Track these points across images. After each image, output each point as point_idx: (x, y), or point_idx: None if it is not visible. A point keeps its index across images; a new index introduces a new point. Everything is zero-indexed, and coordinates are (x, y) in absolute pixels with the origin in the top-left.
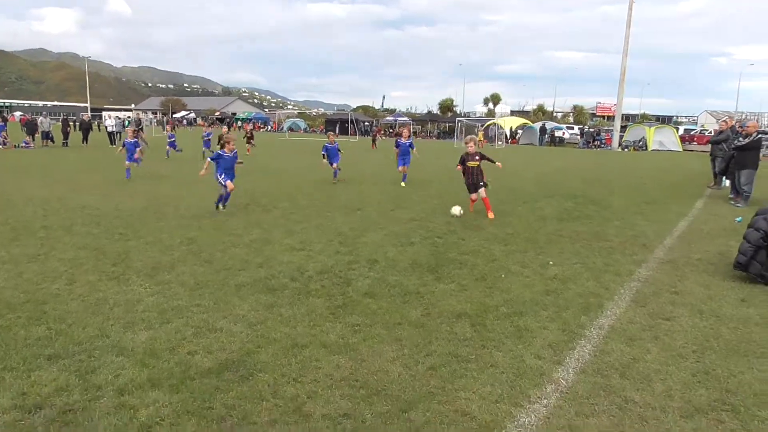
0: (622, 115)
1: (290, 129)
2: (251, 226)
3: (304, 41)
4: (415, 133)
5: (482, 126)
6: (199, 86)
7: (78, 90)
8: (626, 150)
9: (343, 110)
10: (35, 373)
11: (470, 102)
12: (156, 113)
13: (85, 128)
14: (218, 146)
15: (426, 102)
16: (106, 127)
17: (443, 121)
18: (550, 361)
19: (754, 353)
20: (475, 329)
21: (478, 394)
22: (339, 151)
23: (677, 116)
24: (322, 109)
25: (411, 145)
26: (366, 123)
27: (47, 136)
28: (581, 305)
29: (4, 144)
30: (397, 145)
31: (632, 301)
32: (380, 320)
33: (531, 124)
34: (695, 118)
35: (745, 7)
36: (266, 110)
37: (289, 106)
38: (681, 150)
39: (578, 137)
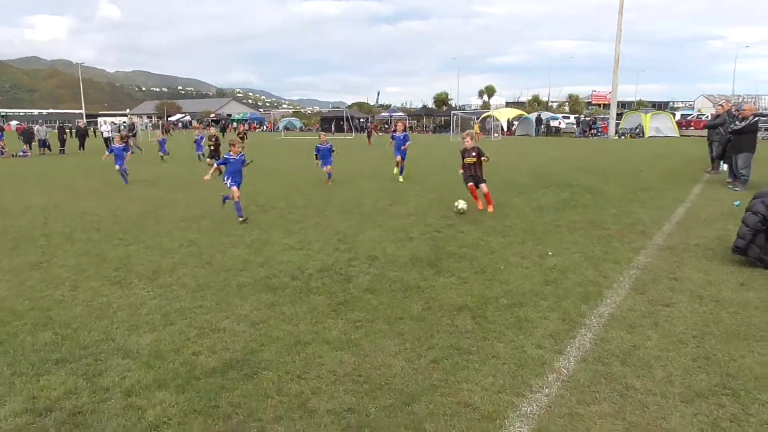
0: (618, 102)
1: (286, 128)
2: (250, 227)
3: (297, 40)
4: (411, 127)
5: (478, 118)
6: (193, 88)
7: (72, 97)
8: (623, 138)
9: (338, 108)
10: (44, 377)
11: (465, 95)
12: (151, 117)
13: (82, 135)
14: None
15: (421, 97)
16: (102, 133)
17: (438, 115)
18: (551, 350)
19: (754, 337)
20: (475, 321)
21: (480, 386)
22: (332, 151)
23: (673, 102)
24: (317, 108)
25: (405, 139)
26: (361, 120)
27: (44, 144)
28: (581, 294)
29: (2, 153)
30: (393, 138)
31: (631, 288)
32: (381, 315)
33: (527, 115)
34: (692, 103)
35: None
36: (261, 110)
37: (284, 106)
38: (678, 136)
39: (574, 126)
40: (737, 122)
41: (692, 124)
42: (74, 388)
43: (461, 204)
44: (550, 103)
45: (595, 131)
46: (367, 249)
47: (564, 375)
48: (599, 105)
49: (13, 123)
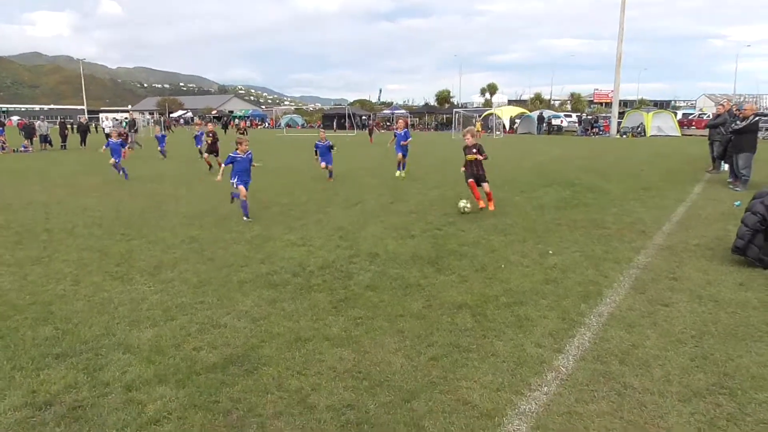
0: (620, 101)
1: (287, 125)
2: (252, 223)
3: (298, 37)
4: (412, 125)
5: (480, 116)
6: (195, 85)
7: (73, 93)
8: (624, 136)
9: (340, 105)
10: (44, 371)
11: (467, 93)
12: (153, 113)
13: (83, 131)
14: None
15: (423, 94)
16: (103, 129)
17: (440, 113)
18: (550, 349)
19: (751, 337)
20: (475, 319)
21: (479, 383)
22: (331, 148)
23: (675, 101)
24: (319, 105)
25: (406, 136)
26: (363, 117)
27: (45, 139)
28: (581, 293)
29: (3, 149)
30: (395, 136)
31: (631, 288)
32: (382, 313)
33: (529, 113)
34: (693, 102)
35: None
36: (263, 107)
37: (286, 102)
38: (680, 135)
39: (576, 125)
40: (738, 122)
41: (694, 123)
42: (74, 383)
43: (468, 205)
44: (552, 102)
45: (597, 130)
46: (368, 246)
47: (563, 373)
48: (601, 103)
49: (15, 118)
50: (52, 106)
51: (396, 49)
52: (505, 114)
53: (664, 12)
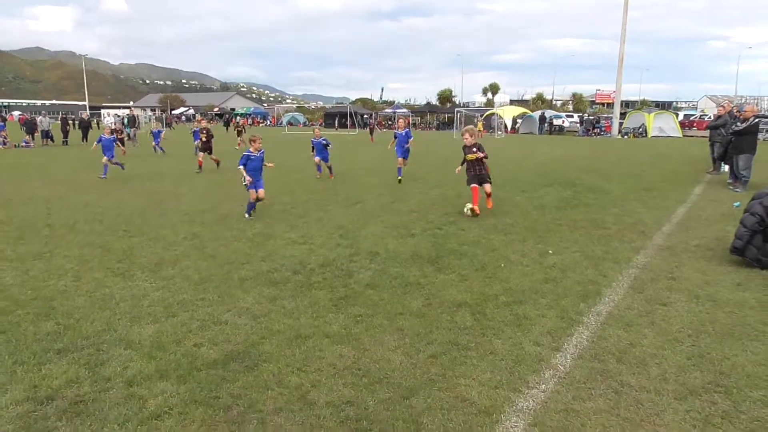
0: (622, 101)
1: (289, 123)
2: (253, 221)
3: (300, 35)
4: (414, 124)
5: (482, 116)
6: (197, 82)
7: (75, 88)
8: (626, 137)
9: (342, 103)
10: (46, 366)
11: (469, 92)
12: (154, 110)
13: (85, 126)
14: (202, 140)
15: (424, 93)
16: (110, 125)
17: (442, 112)
18: (548, 347)
19: (748, 336)
20: (475, 318)
21: (477, 381)
22: (326, 146)
23: (677, 101)
24: (321, 103)
25: (408, 136)
26: (365, 116)
27: (47, 135)
28: (580, 293)
29: (4, 144)
30: (396, 137)
31: (630, 287)
32: (382, 311)
33: (530, 113)
34: (695, 103)
35: None
36: (265, 105)
37: (288, 100)
38: (681, 136)
39: (578, 125)
40: (738, 123)
41: (695, 124)
42: (76, 378)
43: (475, 209)
44: (554, 102)
45: (599, 130)
46: (368, 245)
47: (560, 371)
48: (603, 104)
49: (16, 113)
50: (53, 102)
51: (398, 48)
52: (507, 114)
53: (666, 13)
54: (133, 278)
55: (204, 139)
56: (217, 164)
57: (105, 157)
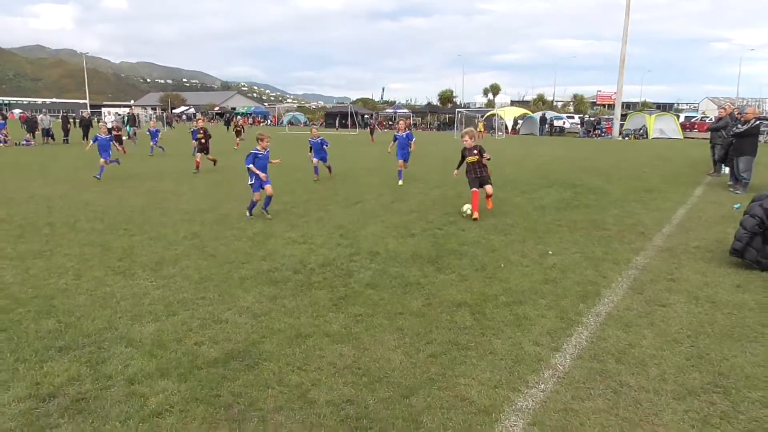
0: (623, 103)
1: (290, 123)
2: (253, 220)
3: (301, 34)
4: (415, 124)
5: (482, 117)
6: (198, 81)
7: (76, 86)
8: (627, 138)
9: (343, 103)
10: (47, 364)
11: (470, 93)
12: (155, 109)
13: (86, 125)
14: (199, 141)
15: (425, 93)
16: (106, 124)
17: (443, 113)
18: (547, 347)
19: (747, 337)
20: (474, 318)
21: (477, 380)
22: (323, 145)
23: (678, 103)
24: (322, 102)
25: (409, 137)
26: (366, 116)
27: (48, 133)
28: (579, 293)
29: (5, 142)
30: (395, 139)
31: (629, 288)
32: (382, 310)
33: (531, 114)
34: (696, 105)
35: None
36: (265, 104)
37: (289, 100)
38: (682, 137)
39: (578, 126)
40: (739, 125)
41: (696, 126)
42: (77, 375)
43: (474, 214)
44: (555, 103)
45: (599, 131)
46: (368, 244)
47: (560, 371)
48: (604, 105)
49: (17, 111)
50: (54, 100)
51: (398, 48)
52: (508, 115)
53: (668, 14)
54: (133, 277)
55: (202, 139)
56: (214, 163)
57: (101, 159)
